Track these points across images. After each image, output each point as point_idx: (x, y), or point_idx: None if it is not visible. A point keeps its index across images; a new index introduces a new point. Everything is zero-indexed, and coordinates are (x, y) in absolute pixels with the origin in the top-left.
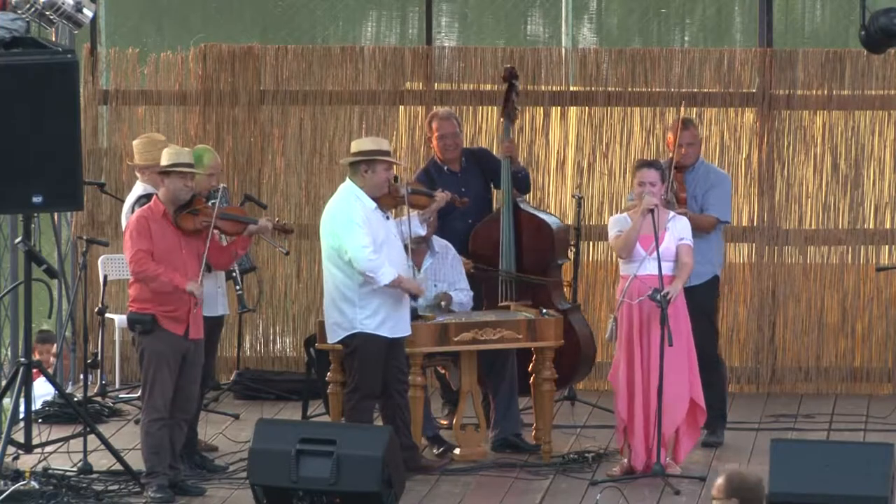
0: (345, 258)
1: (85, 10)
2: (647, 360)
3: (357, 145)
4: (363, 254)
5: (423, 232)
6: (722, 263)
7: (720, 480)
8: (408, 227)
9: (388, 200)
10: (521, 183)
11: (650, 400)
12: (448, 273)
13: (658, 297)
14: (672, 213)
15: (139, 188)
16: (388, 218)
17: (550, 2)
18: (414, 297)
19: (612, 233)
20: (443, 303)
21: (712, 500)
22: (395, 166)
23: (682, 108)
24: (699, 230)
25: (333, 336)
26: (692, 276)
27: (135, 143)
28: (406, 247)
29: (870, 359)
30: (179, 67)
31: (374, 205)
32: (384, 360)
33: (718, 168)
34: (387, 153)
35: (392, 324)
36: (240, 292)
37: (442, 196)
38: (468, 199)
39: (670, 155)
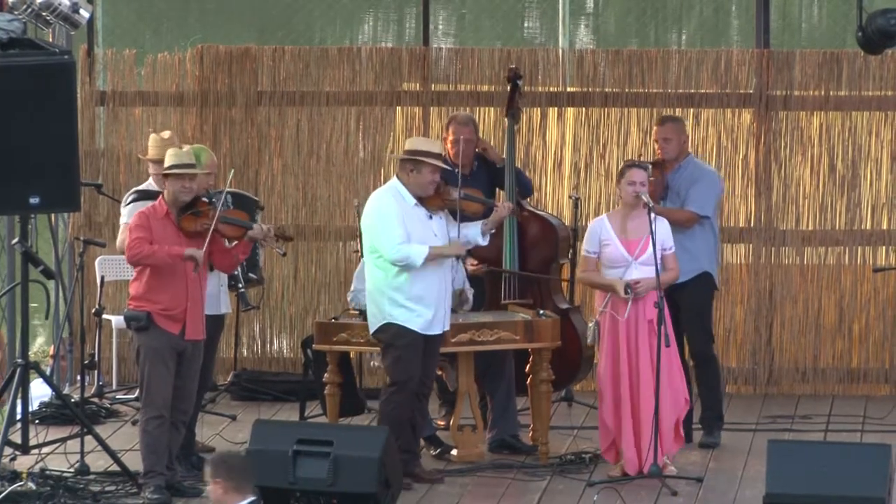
0: (377, 253)
1: (82, 11)
2: (637, 365)
3: (409, 143)
4: (391, 245)
5: (483, 243)
6: (716, 261)
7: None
8: (457, 234)
9: (436, 201)
10: (525, 188)
11: (639, 405)
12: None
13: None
14: (653, 216)
15: (146, 184)
16: (430, 217)
17: (547, 2)
18: (459, 258)
19: (585, 246)
20: (461, 299)
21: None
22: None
23: (680, 109)
24: (675, 224)
25: (370, 328)
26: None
27: (150, 136)
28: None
29: (867, 359)
30: (176, 68)
31: (413, 201)
32: (421, 356)
33: (706, 165)
34: (435, 156)
35: (425, 320)
36: (243, 290)
37: (507, 207)
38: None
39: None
